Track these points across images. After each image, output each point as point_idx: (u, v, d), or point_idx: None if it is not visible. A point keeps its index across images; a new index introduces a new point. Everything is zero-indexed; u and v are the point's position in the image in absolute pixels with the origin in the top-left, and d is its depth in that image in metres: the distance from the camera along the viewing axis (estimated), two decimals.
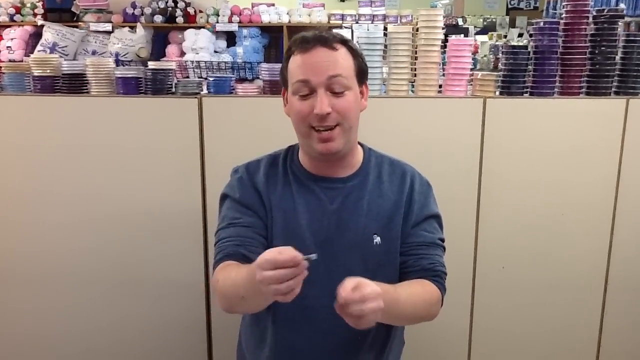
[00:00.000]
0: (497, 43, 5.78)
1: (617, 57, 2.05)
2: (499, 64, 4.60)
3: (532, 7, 8.62)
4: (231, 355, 1.60)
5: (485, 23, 8.02)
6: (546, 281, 2.14)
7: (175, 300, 2.13)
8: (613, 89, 2.07)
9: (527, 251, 2.11)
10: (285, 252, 1.01)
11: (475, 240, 2.09)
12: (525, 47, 2.06)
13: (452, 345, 2.18)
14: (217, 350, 2.16)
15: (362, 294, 1.05)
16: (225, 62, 4.26)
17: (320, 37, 1.30)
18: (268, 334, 1.40)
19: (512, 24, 8.01)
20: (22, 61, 3.99)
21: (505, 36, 6.77)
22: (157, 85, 2.06)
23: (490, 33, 6.35)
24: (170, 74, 2.09)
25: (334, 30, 1.38)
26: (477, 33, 6.67)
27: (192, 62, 4.13)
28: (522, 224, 2.09)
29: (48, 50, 4.16)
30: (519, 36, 6.47)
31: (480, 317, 2.16)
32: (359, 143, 1.43)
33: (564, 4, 2.03)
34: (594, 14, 2.03)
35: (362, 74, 1.36)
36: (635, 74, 2.04)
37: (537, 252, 2.11)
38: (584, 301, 2.16)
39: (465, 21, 6.73)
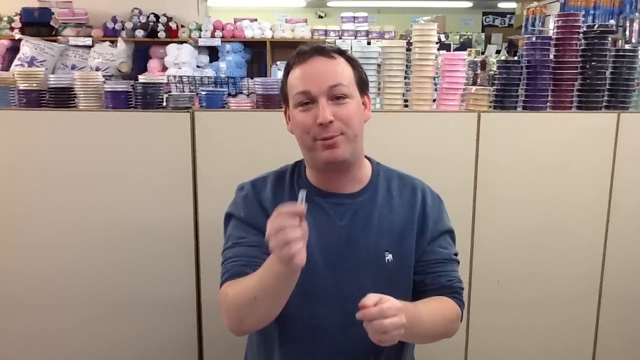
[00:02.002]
0: (475, 59, 5.86)
1: (607, 72, 2.08)
2: (478, 80, 4.66)
3: (507, 25, 8.79)
4: None
5: (461, 40, 8.14)
6: (541, 295, 2.14)
7: (166, 320, 2.06)
8: (604, 104, 2.09)
9: (522, 265, 2.11)
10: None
11: (471, 255, 2.09)
12: (518, 62, 2.08)
13: (448, 359, 2.16)
14: None
15: (381, 308, 1.03)
16: (208, 77, 4.22)
17: (317, 47, 1.30)
18: (275, 355, 1.35)
19: (488, 41, 8.14)
20: None
21: (483, 52, 6.87)
22: (148, 99, 2.02)
23: (469, 49, 6.45)
24: (161, 88, 2.06)
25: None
26: (454, 50, 6.75)
27: (175, 77, 4.09)
28: (517, 238, 2.09)
29: (26, 65, 4.07)
30: (496, 52, 6.58)
31: (476, 332, 2.14)
32: (367, 157, 1.40)
33: (555, 19, 2.06)
34: (585, 29, 2.06)
35: (362, 83, 1.34)
36: (625, 88, 2.07)
37: (532, 266, 2.11)
38: (578, 314, 2.17)
39: (447, 37, 6.84)
